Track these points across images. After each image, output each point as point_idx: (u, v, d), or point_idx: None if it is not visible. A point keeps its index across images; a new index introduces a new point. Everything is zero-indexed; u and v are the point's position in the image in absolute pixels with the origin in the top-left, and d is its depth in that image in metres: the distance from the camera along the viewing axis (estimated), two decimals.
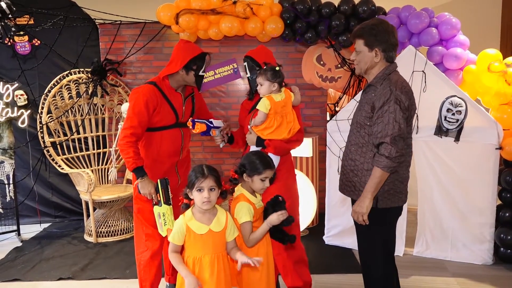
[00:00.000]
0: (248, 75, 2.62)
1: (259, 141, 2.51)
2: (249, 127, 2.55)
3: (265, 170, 2.07)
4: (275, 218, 2.02)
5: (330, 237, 3.77)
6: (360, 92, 2.42)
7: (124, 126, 2.45)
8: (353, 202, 2.20)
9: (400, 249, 3.46)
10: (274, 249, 2.44)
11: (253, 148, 2.53)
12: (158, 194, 2.32)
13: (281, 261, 2.59)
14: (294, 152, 3.81)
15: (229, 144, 2.76)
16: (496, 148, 3.20)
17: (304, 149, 3.97)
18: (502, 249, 3.31)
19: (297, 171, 3.84)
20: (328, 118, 4.57)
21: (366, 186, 2.06)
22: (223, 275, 1.91)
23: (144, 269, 2.62)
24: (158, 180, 2.22)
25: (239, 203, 2.06)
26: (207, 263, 1.88)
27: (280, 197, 2.11)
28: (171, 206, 2.22)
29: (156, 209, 2.33)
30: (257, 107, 2.47)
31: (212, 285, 1.88)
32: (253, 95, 2.66)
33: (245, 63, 2.64)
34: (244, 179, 2.10)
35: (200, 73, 2.54)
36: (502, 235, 3.25)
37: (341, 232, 3.69)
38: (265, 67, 2.47)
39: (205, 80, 4.55)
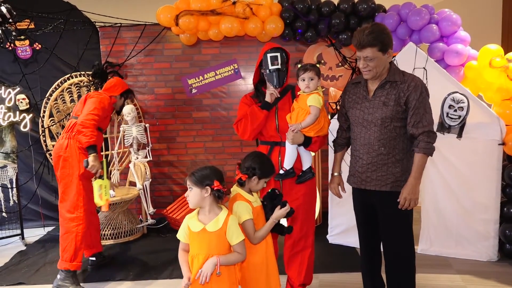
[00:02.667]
0: (279, 66, 2.44)
1: (307, 140, 2.42)
2: (293, 126, 2.39)
3: (273, 174, 2.14)
4: (281, 213, 2.06)
5: (333, 236, 3.76)
6: (350, 91, 2.41)
7: (93, 112, 3.02)
8: (378, 193, 2.28)
9: None
10: (297, 246, 2.50)
11: (290, 147, 2.42)
12: (102, 170, 3.00)
13: (307, 257, 2.56)
14: None
15: None
16: (499, 144, 3.18)
17: None
18: (507, 245, 3.29)
19: None
20: (329, 117, 4.56)
21: (414, 174, 2.20)
22: (215, 278, 1.86)
23: (81, 240, 3.03)
24: (104, 158, 2.73)
25: (236, 202, 2.06)
26: (199, 262, 1.87)
27: (276, 190, 2.14)
28: (110, 180, 2.98)
29: (98, 182, 2.97)
30: (309, 104, 2.36)
31: (200, 286, 1.85)
32: (278, 85, 2.48)
33: (278, 53, 2.45)
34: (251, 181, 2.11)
35: (125, 104, 3.63)
36: (507, 231, 3.23)
37: (344, 230, 3.68)
38: (310, 63, 2.44)
39: (206, 81, 4.55)
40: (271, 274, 2.15)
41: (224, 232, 1.89)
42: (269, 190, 2.17)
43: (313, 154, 2.53)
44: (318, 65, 2.45)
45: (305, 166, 2.49)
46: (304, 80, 2.39)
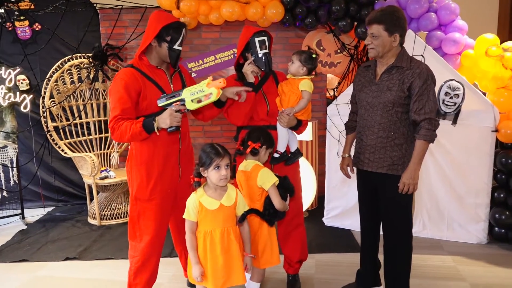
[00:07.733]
0: (267, 50, 2.45)
1: (298, 122, 2.52)
2: (286, 110, 2.44)
3: (275, 145, 2.31)
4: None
5: (329, 219, 3.86)
6: (360, 74, 2.48)
7: (109, 120, 2.17)
8: (376, 175, 2.37)
9: None
10: (290, 224, 2.60)
11: (283, 130, 2.49)
12: (174, 103, 2.14)
13: (301, 234, 2.68)
14: None
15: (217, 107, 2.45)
16: (493, 131, 3.28)
17: (304, 132, 4.00)
18: (496, 228, 3.41)
19: None
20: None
21: (414, 160, 2.25)
22: (234, 247, 2.01)
23: (134, 274, 2.37)
24: (158, 103, 2.15)
25: (262, 170, 2.19)
26: (217, 236, 1.98)
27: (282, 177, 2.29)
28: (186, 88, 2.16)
29: (188, 104, 2.15)
30: (302, 89, 2.43)
31: (223, 256, 1.98)
32: (268, 70, 2.49)
33: (265, 37, 2.44)
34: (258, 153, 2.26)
35: (175, 47, 2.21)
36: (496, 215, 3.35)
37: (340, 213, 3.77)
38: (305, 49, 2.52)
39: (205, 65, 4.58)
40: (275, 246, 2.35)
41: (235, 206, 2.04)
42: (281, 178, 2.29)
43: (298, 136, 2.64)
44: (314, 56, 2.48)
45: (293, 148, 2.59)
46: (291, 61, 2.52)
